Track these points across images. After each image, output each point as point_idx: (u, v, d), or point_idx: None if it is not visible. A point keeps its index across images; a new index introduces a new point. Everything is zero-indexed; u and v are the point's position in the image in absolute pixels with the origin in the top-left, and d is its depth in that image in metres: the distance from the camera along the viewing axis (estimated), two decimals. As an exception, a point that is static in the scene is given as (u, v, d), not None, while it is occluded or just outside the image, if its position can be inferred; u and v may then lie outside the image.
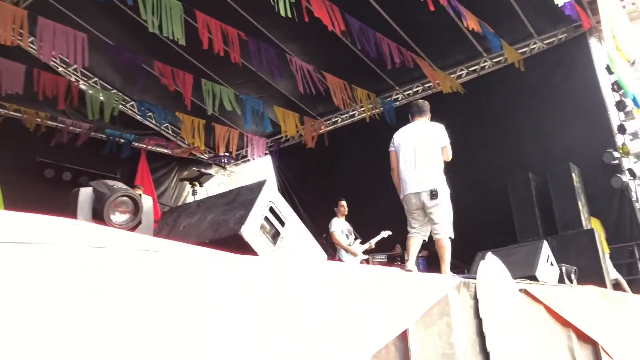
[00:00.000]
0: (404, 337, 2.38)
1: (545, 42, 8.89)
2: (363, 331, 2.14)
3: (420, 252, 9.02)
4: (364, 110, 10.20)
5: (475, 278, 3.12)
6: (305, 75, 8.64)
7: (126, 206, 2.17)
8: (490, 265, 3.33)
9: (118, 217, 2.14)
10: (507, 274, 3.48)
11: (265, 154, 12.05)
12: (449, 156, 5.07)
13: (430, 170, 4.93)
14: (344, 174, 10.50)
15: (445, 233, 4.88)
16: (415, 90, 10.19)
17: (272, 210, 2.33)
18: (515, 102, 8.91)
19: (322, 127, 11.14)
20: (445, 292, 2.79)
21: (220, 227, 2.26)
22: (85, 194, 2.12)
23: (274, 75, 8.78)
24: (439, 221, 4.87)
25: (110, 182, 2.24)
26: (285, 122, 10.25)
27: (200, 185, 6.49)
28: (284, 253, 2.34)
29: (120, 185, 2.23)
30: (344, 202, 7.83)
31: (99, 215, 2.10)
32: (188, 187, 7.44)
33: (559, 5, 6.62)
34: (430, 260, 9.18)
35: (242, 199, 2.31)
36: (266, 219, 2.30)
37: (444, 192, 4.92)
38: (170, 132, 11.27)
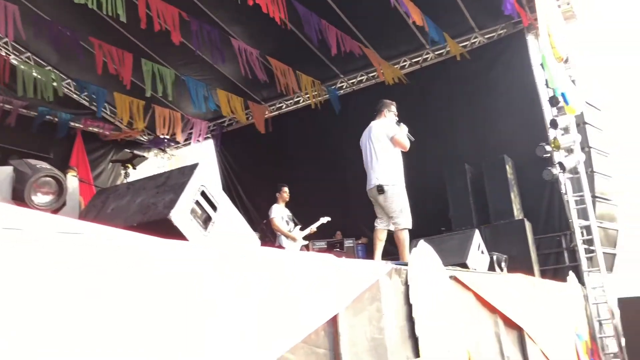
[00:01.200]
0: (334, 322, 2.42)
1: (486, 36, 9.12)
2: (293, 316, 2.16)
3: (359, 238, 9.18)
4: (308, 97, 10.19)
5: (407, 265, 3.20)
6: (249, 59, 8.54)
7: (49, 187, 2.08)
8: (422, 252, 3.41)
9: (40, 198, 2.06)
10: (439, 261, 3.58)
11: (207, 137, 11.86)
12: (399, 144, 5.24)
13: (379, 166, 5.13)
14: (286, 160, 10.50)
15: (400, 224, 5.03)
16: (359, 79, 10.25)
17: (203, 194, 2.30)
18: (454, 94, 9.12)
19: (267, 113, 11.07)
20: (377, 278, 2.85)
21: (149, 211, 2.21)
22: (4, 173, 2.02)
23: (214, 58, 8.65)
24: (392, 214, 5.05)
25: (33, 162, 2.15)
26: (229, 106, 10.12)
27: (134, 168, 6.29)
28: (216, 238, 2.32)
29: (43, 165, 2.14)
30: (286, 189, 7.82)
31: (19, 195, 2.01)
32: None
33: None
34: (369, 248, 9.33)
35: (172, 182, 2.26)
36: (197, 203, 2.27)
37: (395, 185, 5.08)
38: (108, 112, 10.91)
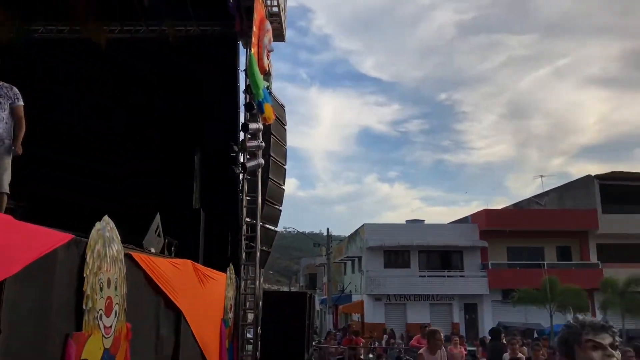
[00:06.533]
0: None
1: (201, 27, 9.29)
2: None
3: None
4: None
5: (87, 237, 3.11)
6: None
7: None
8: (104, 227, 3.36)
9: None
10: (118, 237, 3.56)
11: None
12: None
13: None
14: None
15: None
16: (61, 28, 9.30)
17: None
18: (159, 76, 9.06)
19: None
20: (53, 247, 2.71)
21: None
22: None
23: None
24: None
25: None
26: None
27: None
28: None
29: None
30: None
31: None
32: None
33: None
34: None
35: None
36: None
37: None
38: None
